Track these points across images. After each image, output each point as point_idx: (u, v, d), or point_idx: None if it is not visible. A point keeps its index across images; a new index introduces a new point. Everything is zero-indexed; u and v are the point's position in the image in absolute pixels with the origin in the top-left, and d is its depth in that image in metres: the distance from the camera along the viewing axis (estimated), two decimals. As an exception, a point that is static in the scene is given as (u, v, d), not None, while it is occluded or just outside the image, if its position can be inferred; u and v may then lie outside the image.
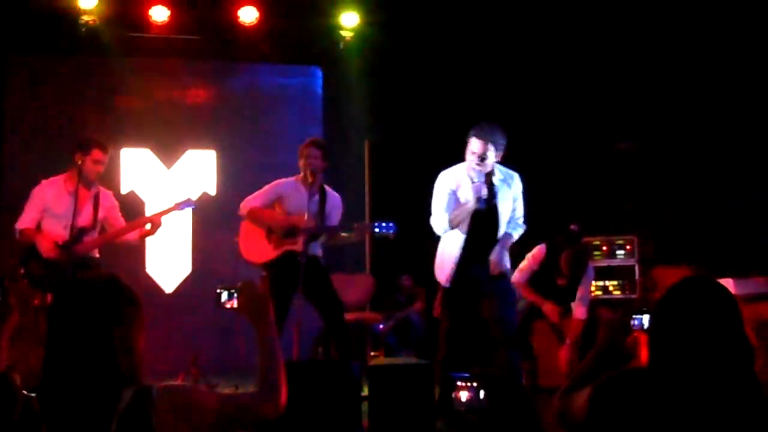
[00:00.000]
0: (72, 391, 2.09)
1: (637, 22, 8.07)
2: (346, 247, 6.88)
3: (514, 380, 4.67)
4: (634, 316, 2.67)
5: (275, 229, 5.98)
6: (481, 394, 2.37)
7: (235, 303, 2.59)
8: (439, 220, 5.60)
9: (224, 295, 2.61)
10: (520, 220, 5.73)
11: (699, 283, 2.33)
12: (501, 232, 5.62)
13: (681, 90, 8.17)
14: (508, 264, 5.72)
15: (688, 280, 2.35)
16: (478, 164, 5.42)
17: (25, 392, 2.36)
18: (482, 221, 5.55)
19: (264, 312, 2.50)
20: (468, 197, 5.47)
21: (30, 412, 2.12)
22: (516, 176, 5.74)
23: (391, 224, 5.71)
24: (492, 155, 5.45)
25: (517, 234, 5.73)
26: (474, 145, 5.45)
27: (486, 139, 5.42)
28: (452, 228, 5.57)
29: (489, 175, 5.45)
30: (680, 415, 2.17)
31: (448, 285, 5.63)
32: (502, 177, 5.63)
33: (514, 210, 5.69)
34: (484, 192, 5.38)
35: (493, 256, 5.54)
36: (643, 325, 2.64)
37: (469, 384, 2.41)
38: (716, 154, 8.14)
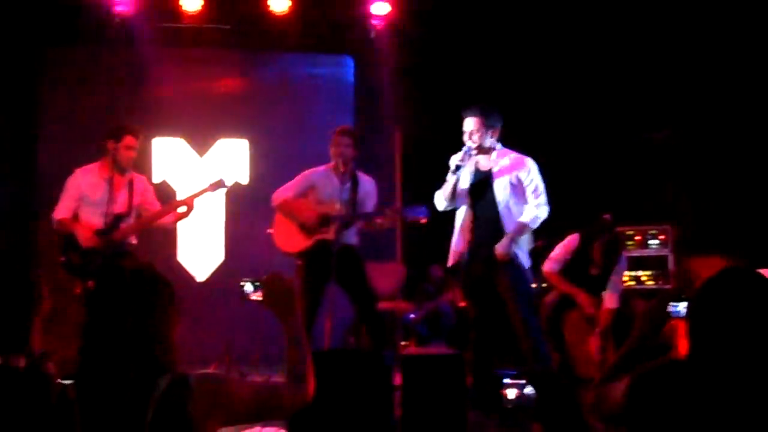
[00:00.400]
0: (108, 379, 2.11)
1: (674, 10, 7.97)
2: (377, 236, 6.87)
3: (558, 376, 4.65)
4: (671, 304, 2.63)
5: (308, 220, 5.99)
6: (528, 391, 2.37)
7: (260, 295, 2.59)
8: (437, 196, 5.73)
9: (249, 288, 2.61)
10: (539, 206, 5.63)
11: (738, 273, 2.29)
12: (501, 209, 5.59)
13: (717, 77, 8.07)
14: (520, 251, 5.65)
15: (726, 271, 2.31)
16: (469, 140, 5.58)
17: (60, 380, 2.39)
18: (475, 195, 5.66)
19: (290, 305, 2.50)
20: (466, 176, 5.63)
21: (65, 399, 2.14)
22: (526, 159, 5.70)
23: (422, 208, 5.73)
24: (475, 130, 5.57)
25: (532, 218, 5.62)
26: (465, 125, 5.63)
27: (469, 115, 5.60)
28: (445, 200, 5.67)
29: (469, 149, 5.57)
30: (719, 409, 2.14)
31: (450, 265, 5.75)
32: (503, 159, 5.66)
33: (523, 196, 5.65)
34: (457, 157, 5.53)
35: (498, 245, 5.52)
36: (680, 313, 2.61)
37: (515, 381, 2.41)
38: (752, 141, 8.03)
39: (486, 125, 5.61)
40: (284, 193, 6.13)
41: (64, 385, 2.63)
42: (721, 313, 2.23)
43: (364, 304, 6.04)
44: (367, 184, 6.18)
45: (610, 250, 6.69)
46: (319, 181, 6.12)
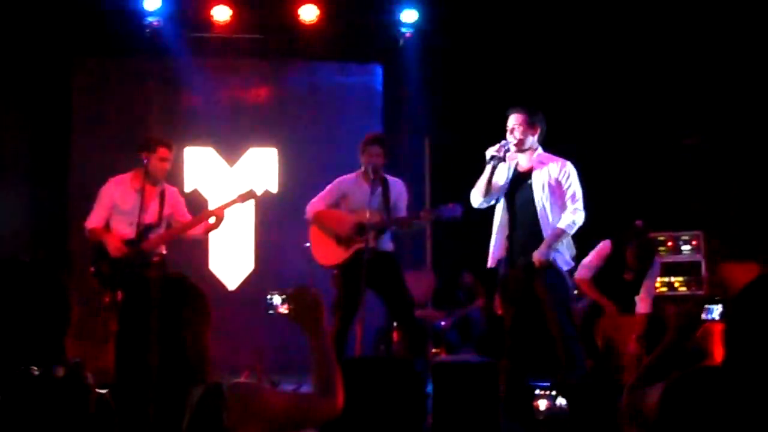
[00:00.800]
0: (144, 388, 2.12)
1: (708, 16, 7.91)
2: (407, 244, 6.87)
3: (591, 386, 4.60)
4: (706, 306, 2.60)
5: (344, 230, 5.98)
6: (561, 401, 2.35)
7: (286, 309, 2.57)
8: (472, 192, 5.68)
9: (276, 300, 2.60)
10: (576, 211, 5.54)
11: None
12: (539, 210, 5.53)
13: (749, 82, 7.99)
14: (560, 258, 5.58)
15: (763, 278, 2.28)
16: (510, 136, 5.58)
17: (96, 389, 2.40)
18: (513, 195, 5.63)
19: (317, 318, 2.49)
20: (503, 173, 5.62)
21: (104, 406, 2.15)
22: (566, 163, 5.64)
23: (457, 206, 5.71)
24: (517, 125, 5.57)
25: (569, 224, 5.52)
26: (508, 121, 5.64)
27: (512, 111, 5.62)
28: (480, 196, 5.61)
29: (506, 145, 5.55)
30: (754, 417, 2.11)
31: (489, 267, 5.71)
32: (543, 160, 5.64)
33: (561, 199, 5.58)
34: (493, 149, 5.50)
35: (536, 252, 5.48)
36: (713, 316, 2.57)
37: (547, 392, 2.39)
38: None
39: (528, 123, 5.60)
40: (317, 204, 6.13)
41: (102, 393, 2.65)
42: (758, 320, 2.20)
43: (402, 311, 6.02)
44: (398, 185, 6.18)
45: (643, 255, 6.65)
46: (350, 189, 6.12)
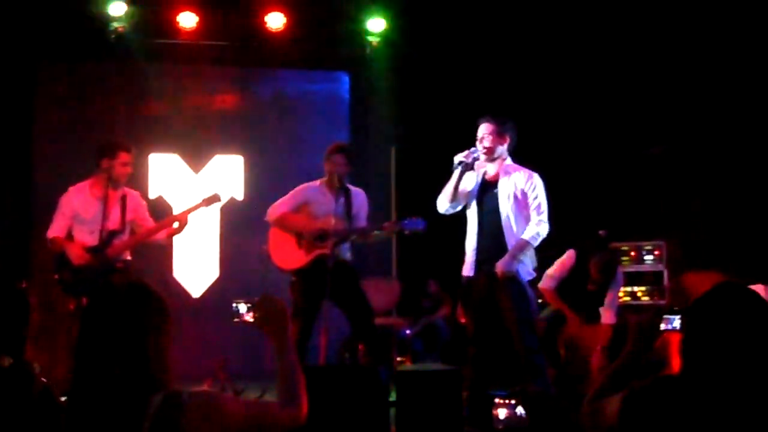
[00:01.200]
0: (102, 397, 2.10)
1: (667, 27, 8.01)
2: (372, 252, 6.89)
3: (550, 396, 4.62)
4: (665, 317, 2.63)
5: (306, 235, 5.98)
6: (520, 411, 2.37)
7: (252, 317, 2.57)
8: (439, 197, 5.69)
9: (242, 308, 2.60)
10: (540, 223, 5.55)
11: (731, 289, 2.30)
12: (503, 219, 5.55)
13: (711, 94, 8.09)
14: (522, 269, 5.59)
15: (719, 287, 2.31)
16: (479, 145, 5.60)
17: (44, 380, 2.39)
18: (480, 204, 5.64)
19: (282, 326, 2.49)
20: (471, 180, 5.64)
21: (48, 397, 2.14)
22: (533, 175, 5.65)
23: (420, 220, 5.73)
24: (487, 134, 5.61)
25: (533, 236, 5.53)
26: (478, 130, 5.67)
27: (483, 120, 5.65)
28: (447, 201, 5.62)
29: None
30: (712, 424, 2.14)
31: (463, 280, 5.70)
32: (511, 170, 5.66)
33: (526, 210, 5.60)
34: (461, 155, 5.52)
35: (499, 263, 5.49)
36: (674, 326, 2.60)
37: (507, 401, 2.40)
38: (746, 158, 8.05)
39: (498, 132, 5.63)
40: (279, 208, 6.13)
41: (47, 383, 2.64)
42: (714, 329, 2.23)
43: (362, 321, 6.02)
44: (360, 196, 6.19)
45: (605, 268, 6.71)
46: (313, 196, 6.13)
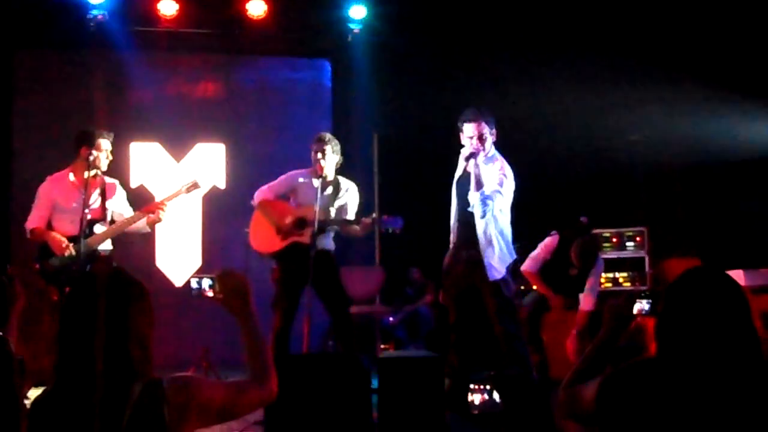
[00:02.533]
0: (84, 385, 2.10)
1: (649, 13, 8.04)
2: (356, 240, 6.89)
3: (528, 381, 4.64)
4: (638, 300, 2.65)
5: (284, 221, 5.98)
6: (495, 396, 2.38)
7: (212, 292, 2.55)
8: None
9: (204, 284, 2.57)
10: (496, 193, 5.54)
11: (706, 273, 2.32)
12: (472, 207, 5.56)
13: (693, 83, 8.13)
14: (497, 262, 5.59)
15: (695, 271, 2.34)
16: (478, 146, 5.55)
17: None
18: (458, 196, 5.69)
19: (244, 300, 2.46)
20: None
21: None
22: (500, 162, 5.67)
23: (398, 219, 5.73)
24: (487, 132, 5.59)
25: (493, 192, 5.55)
26: (468, 130, 5.59)
27: (478, 119, 5.57)
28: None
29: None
30: (689, 406, 2.16)
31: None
32: (485, 163, 5.65)
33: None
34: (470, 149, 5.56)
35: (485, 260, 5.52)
36: (646, 310, 2.63)
37: (482, 386, 2.41)
38: (728, 146, 8.11)
39: (490, 124, 5.66)
40: (265, 192, 6.12)
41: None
42: (688, 312, 2.26)
43: (338, 310, 6.02)
44: (350, 190, 6.18)
45: (586, 251, 6.75)
46: (299, 184, 6.12)
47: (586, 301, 6.73)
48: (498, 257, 5.55)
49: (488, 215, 5.48)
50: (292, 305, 5.87)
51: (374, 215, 5.91)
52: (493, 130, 5.68)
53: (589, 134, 8.47)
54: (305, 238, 5.83)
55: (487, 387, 2.20)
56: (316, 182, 5.95)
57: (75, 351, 2.14)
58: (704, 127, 8.17)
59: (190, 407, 2.15)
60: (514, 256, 5.77)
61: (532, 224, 7.29)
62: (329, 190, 6.01)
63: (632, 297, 2.65)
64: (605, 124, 8.46)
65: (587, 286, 6.76)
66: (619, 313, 2.64)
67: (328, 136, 6.17)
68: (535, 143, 8.40)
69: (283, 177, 6.18)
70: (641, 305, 2.61)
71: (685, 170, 8.33)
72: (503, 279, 5.58)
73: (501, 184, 5.52)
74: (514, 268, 5.86)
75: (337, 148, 6.09)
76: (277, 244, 5.98)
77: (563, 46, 8.23)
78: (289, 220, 5.94)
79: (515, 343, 5.45)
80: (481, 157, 5.59)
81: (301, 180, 6.13)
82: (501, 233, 5.58)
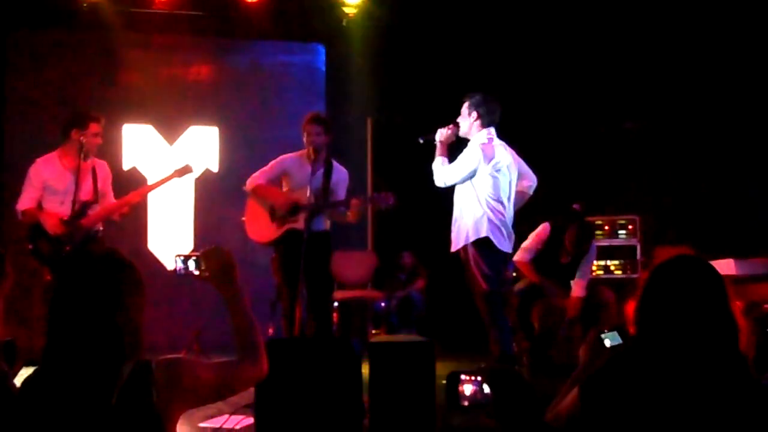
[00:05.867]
0: (74, 366, 2.10)
1: (648, 4, 8.03)
2: (348, 225, 6.89)
3: (516, 374, 4.69)
4: (603, 335, 2.71)
5: (278, 208, 5.96)
6: (485, 389, 2.38)
7: (197, 270, 2.53)
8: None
9: (190, 263, 2.56)
10: (444, 171, 5.80)
11: (685, 261, 2.34)
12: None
13: (687, 70, 8.13)
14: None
15: (675, 259, 2.35)
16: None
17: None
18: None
19: (230, 278, 2.45)
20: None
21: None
22: (471, 145, 5.80)
23: (389, 195, 5.73)
24: (462, 111, 5.82)
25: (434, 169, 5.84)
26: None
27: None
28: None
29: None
30: (666, 392, 2.18)
31: None
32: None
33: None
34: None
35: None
36: (616, 340, 2.69)
37: (473, 378, 2.41)
38: (721, 134, 8.12)
39: (468, 106, 5.79)
40: (258, 178, 6.08)
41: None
42: (666, 299, 2.28)
43: (318, 293, 5.99)
44: (341, 172, 6.14)
45: (581, 239, 6.77)
46: (291, 167, 6.08)
47: (578, 287, 6.76)
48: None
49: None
50: (295, 290, 5.87)
51: (365, 195, 5.92)
52: (471, 112, 5.79)
53: (582, 119, 8.48)
54: (300, 224, 5.81)
55: (478, 378, 2.20)
56: (308, 165, 5.93)
57: (65, 331, 2.14)
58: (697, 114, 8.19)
59: (179, 388, 2.15)
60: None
61: (525, 213, 7.29)
62: (321, 172, 5.99)
63: (599, 332, 2.72)
64: (599, 109, 8.46)
65: (579, 273, 6.79)
66: (593, 348, 2.70)
67: (321, 115, 6.16)
68: (528, 129, 8.39)
69: (274, 162, 6.14)
70: (609, 339, 2.69)
71: (679, 158, 8.34)
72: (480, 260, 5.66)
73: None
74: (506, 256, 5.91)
75: (329, 127, 6.07)
76: (273, 232, 5.97)
77: (560, 29, 8.22)
78: (283, 205, 5.92)
79: (498, 334, 5.55)
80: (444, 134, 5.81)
81: (292, 163, 6.09)
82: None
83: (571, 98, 8.45)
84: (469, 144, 5.75)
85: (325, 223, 6.08)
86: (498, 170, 5.65)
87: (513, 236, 5.82)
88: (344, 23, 8.63)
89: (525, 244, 6.93)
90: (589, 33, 8.24)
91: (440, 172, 5.73)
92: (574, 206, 7.11)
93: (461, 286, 5.79)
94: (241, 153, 8.60)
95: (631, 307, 2.52)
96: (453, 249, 5.76)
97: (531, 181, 6.03)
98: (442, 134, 5.80)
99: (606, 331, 2.72)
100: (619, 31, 8.19)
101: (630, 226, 8.02)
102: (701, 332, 2.22)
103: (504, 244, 5.70)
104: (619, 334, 2.69)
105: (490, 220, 5.62)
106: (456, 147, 5.85)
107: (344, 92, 8.92)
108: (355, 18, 8.59)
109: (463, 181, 5.69)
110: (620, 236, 8.04)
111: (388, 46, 8.55)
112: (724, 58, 7.92)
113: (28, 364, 2.46)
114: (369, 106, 8.69)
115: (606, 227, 8.05)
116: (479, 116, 5.75)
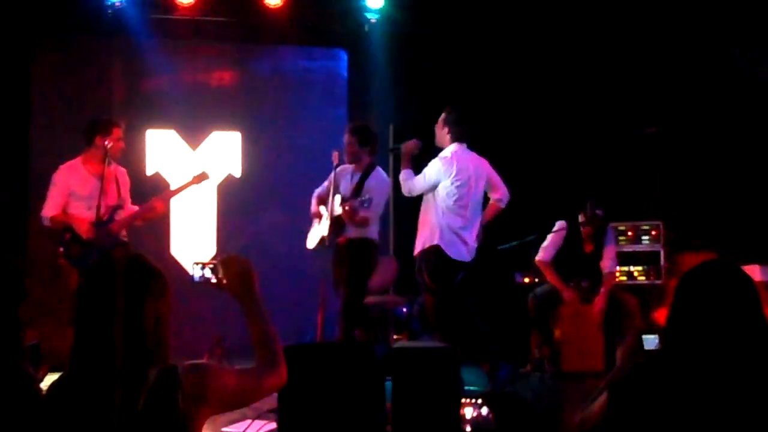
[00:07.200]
0: (100, 371, 2.10)
1: (668, 8, 7.99)
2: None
3: (518, 397, 4.76)
4: (644, 337, 2.68)
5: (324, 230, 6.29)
6: (485, 411, 2.38)
7: (215, 278, 2.52)
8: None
9: (207, 271, 2.54)
10: (409, 182, 6.12)
11: (717, 266, 2.31)
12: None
13: (710, 74, 8.07)
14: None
15: (706, 264, 2.32)
16: None
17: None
18: None
19: (249, 286, 2.44)
20: None
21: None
22: (440, 156, 6.12)
23: (366, 197, 5.99)
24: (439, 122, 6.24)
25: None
26: None
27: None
28: None
29: None
30: (698, 402, 2.15)
31: None
32: None
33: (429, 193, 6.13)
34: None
35: None
36: (655, 344, 2.65)
37: (474, 401, 2.40)
38: (744, 139, 8.05)
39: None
40: (317, 191, 6.46)
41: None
42: (698, 305, 2.25)
43: (342, 300, 6.16)
44: (374, 180, 6.27)
45: (593, 213, 6.86)
46: (339, 176, 6.42)
47: (608, 263, 7.01)
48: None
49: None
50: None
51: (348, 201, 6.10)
52: (444, 126, 6.17)
53: (604, 124, 8.43)
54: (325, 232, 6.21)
55: (479, 402, 2.18)
56: (350, 173, 6.31)
57: (92, 335, 2.14)
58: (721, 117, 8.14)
59: (204, 394, 2.15)
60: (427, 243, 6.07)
61: (548, 217, 7.27)
62: (356, 178, 6.17)
63: (639, 333, 2.68)
64: (622, 114, 8.42)
65: (605, 254, 7.01)
66: (631, 350, 2.65)
67: (358, 125, 6.31)
68: (550, 135, 8.37)
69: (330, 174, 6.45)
70: (649, 342, 2.65)
71: (702, 163, 8.28)
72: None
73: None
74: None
75: (364, 137, 6.30)
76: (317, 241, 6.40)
77: (582, 33, 8.19)
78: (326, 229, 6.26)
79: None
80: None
81: (340, 172, 6.44)
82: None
83: (593, 104, 8.40)
84: (435, 158, 6.08)
85: (355, 231, 6.17)
86: (459, 183, 5.95)
87: (474, 245, 6.08)
88: (367, 29, 8.63)
89: (545, 243, 7.05)
90: (613, 39, 8.20)
91: (404, 183, 6.07)
92: (597, 212, 7.09)
93: (480, 291, 5.94)
94: (264, 158, 8.63)
95: (662, 315, 2.50)
96: (414, 253, 6.16)
97: (501, 194, 6.26)
98: (406, 147, 6.15)
99: (646, 332, 2.68)
100: (642, 36, 8.15)
101: (653, 232, 7.96)
102: (734, 340, 2.19)
103: (458, 254, 5.98)
104: (660, 338, 2.66)
105: (445, 229, 5.96)
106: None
107: (366, 98, 8.91)
108: (378, 24, 8.59)
109: (426, 191, 6.04)
110: (644, 242, 7.98)
111: (411, 51, 8.54)
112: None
113: (54, 369, 2.47)
114: (391, 112, 8.67)
115: (629, 233, 7.99)
116: (450, 131, 6.10)
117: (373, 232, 6.30)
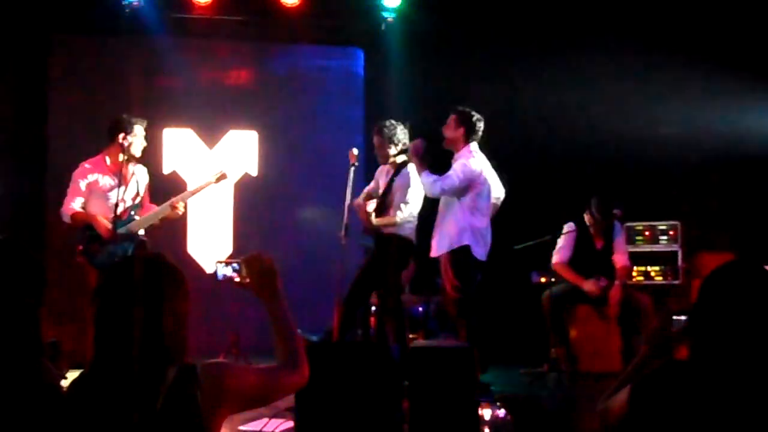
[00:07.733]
0: (120, 369, 2.10)
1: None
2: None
3: (534, 401, 4.76)
4: (675, 318, 2.62)
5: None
6: (503, 413, 2.36)
7: (238, 276, 2.51)
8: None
9: (230, 269, 2.54)
10: (436, 181, 6.06)
11: (742, 266, 2.27)
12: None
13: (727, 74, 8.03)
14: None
15: (730, 264, 2.29)
16: None
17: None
18: None
19: (271, 285, 2.43)
20: None
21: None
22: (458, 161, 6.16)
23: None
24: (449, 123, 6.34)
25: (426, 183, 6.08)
26: None
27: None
28: None
29: None
30: (721, 405, 2.12)
31: None
32: None
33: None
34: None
35: None
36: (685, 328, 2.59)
37: (492, 404, 2.38)
38: (762, 138, 8.02)
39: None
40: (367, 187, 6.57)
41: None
42: (722, 306, 2.21)
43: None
44: (400, 180, 6.33)
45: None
46: (378, 174, 6.56)
47: (620, 257, 7.02)
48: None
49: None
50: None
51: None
52: (458, 126, 6.22)
53: (621, 125, 8.39)
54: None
55: (497, 404, 2.17)
56: (386, 172, 6.41)
57: (111, 334, 2.15)
58: (740, 118, 8.09)
59: (223, 393, 2.15)
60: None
61: (564, 217, 7.25)
62: (388, 177, 6.34)
63: (669, 314, 2.62)
64: (638, 117, 8.38)
65: (616, 248, 7.04)
66: (659, 332, 2.59)
67: (382, 123, 6.34)
68: (569, 135, 8.33)
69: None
70: (680, 323, 2.58)
71: (720, 163, 8.23)
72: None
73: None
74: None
75: (389, 133, 6.39)
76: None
77: (600, 35, 8.15)
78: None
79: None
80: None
81: (379, 171, 6.58)
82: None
83: (610, 103, 8.37)
84: (457, 161, 6.10)
85: (388, 228, 6.31)
86: (482, 183, 6.02)
87: (489, 244, 6.14)
88: (383, 28, 8.63)
89: (558, 245, 7.03)
90: (626, 39, 8.16)
91: (432, 185, 6.03)
92: (615, 212, 7.08)
93: (496, 291, 5.94)
94: (281, 157, 8.65)
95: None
96: (433, 254, 6.20)
97: (499, 193, 6.33)
98: (414, 148, 6.15)
99: (681, 313, 2.62)
100: (655, 35, 8.11)
101: (671, 232, 7.92)
102: (761, 341, 2.16)
103: (481, 255, 6.06)
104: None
105: (473, 230, 6.00)
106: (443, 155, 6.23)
107: (383, 97, 8.90)
108: (394, 23, 8.58)
109: (457, 193, 6.03)
110: (661, 242, 7.94)
111: (428, 50, 8.53)
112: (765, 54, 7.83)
113: (74, 367, 2.47)
114: (408, 111, 8.66)
115: (647, 233, 7.96)
116: (465, 132, 6.13)
117: (404, 229, 6.29)
